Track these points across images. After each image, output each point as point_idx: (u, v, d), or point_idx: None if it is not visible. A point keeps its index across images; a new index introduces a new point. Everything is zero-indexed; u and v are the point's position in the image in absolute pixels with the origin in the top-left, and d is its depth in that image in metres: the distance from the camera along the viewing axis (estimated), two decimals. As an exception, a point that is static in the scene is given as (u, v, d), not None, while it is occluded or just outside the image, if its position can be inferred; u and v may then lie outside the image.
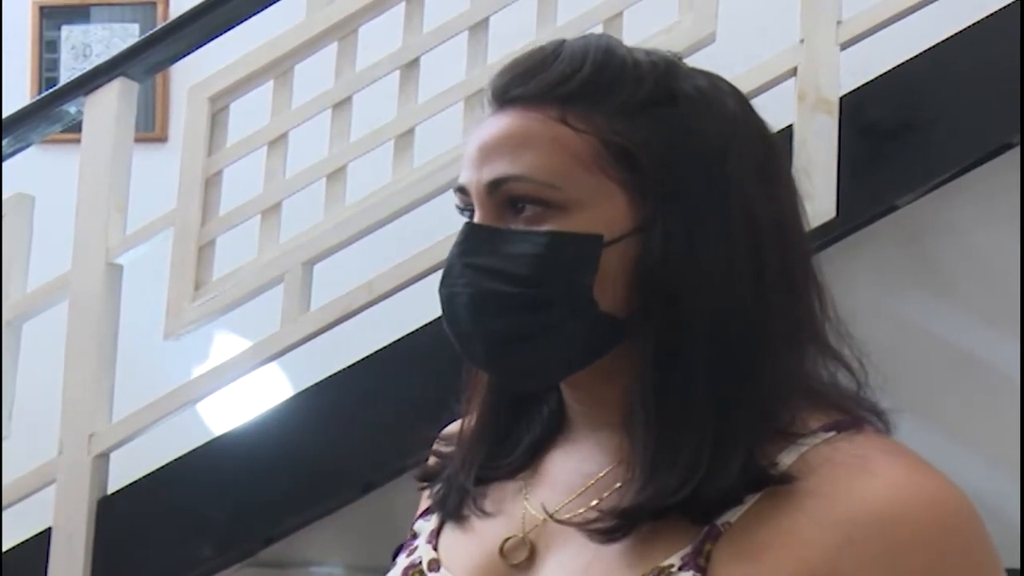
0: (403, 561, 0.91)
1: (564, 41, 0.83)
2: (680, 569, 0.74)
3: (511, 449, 0.90)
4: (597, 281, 0.78)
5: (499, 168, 0.80)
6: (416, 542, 0.92)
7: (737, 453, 0.75)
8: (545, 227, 0.79)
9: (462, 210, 0.85)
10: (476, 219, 0.82)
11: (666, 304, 0.77)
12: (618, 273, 0.78)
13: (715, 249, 0.78)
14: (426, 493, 0.96)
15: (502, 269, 0.79)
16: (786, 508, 0.74)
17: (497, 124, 0.82)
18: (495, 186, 0.80)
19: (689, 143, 0.79)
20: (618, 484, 0.80)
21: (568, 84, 0.80)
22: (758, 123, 0.84)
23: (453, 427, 0.95)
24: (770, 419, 0.77)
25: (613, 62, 0.81)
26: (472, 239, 0.81)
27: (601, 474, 0.83)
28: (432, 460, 0.95)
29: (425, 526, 0.93)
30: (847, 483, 0.73)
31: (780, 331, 0.79)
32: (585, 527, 0.78)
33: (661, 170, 0.78)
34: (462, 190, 0.84)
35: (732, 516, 0.75)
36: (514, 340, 0.80)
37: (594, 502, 0.81)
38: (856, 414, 0.80)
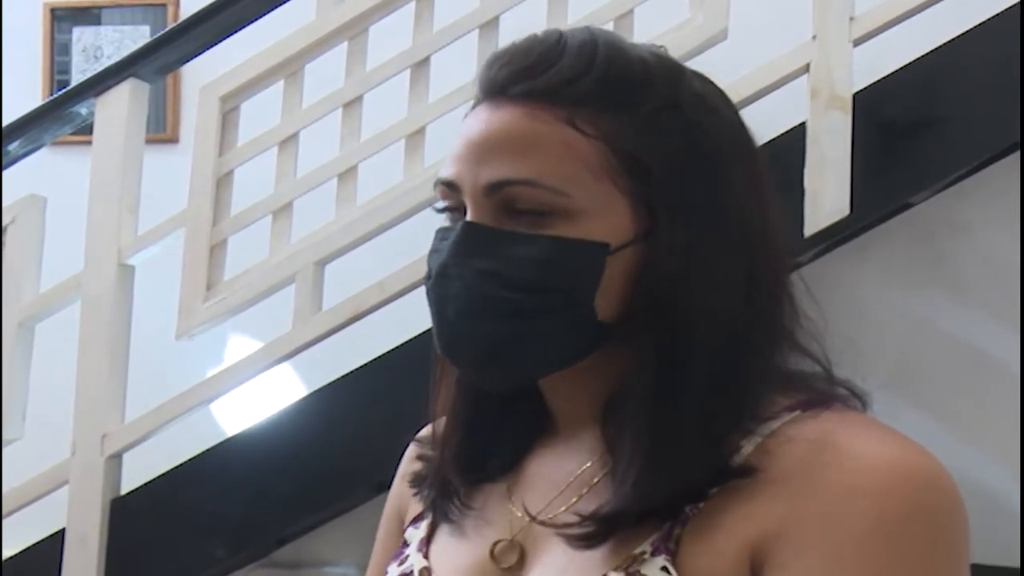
0: (395, 570, 0.89)
1: (562, 32, 0.79)
2: (652, 555, 0.74)
3: (495, 450, 0.88)
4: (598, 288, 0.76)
5: (502, 169, 0.76)
6: (407, 551, 0.91)
7: (711, 452, 0.75)
8: (549, 232, 0.76)
9: (443, 208, 0.81)
10: (470, 218, 0.78)
11: (664, 311, 0.76)
12: (617, 281, 0.77)
13: (714, 257, 0.77)
14: (414, 500, 0.94)
15: (504, 272, 0.76)
16: (747, 492, 0.74)
17: (496, 119, 0.77)
18: (496, 187, 0.76)
19: (694, 153, 0.77)
20: (596, 480, 0.80)
21: (578, 85, 0.76)
22: (747, 130, 0.82)
23: (429, 429, 0.93)
24: (746, 415, 0.77)
25: (623, 63, 0.78)
26: (472, 239, 0.77)
27: (579, 471, 0.82)
28: (418, 465, 0.93)
29: (415, 534, 0.92)
30: (805, 460, 0.73)
31: (765, 334, 0.79)
32: (564, 532, 0.77)
33: (667, 181, 0.77)
34: (449, 185, 0.79)
35: (699, 502, 0.75)
36: (507, 344, 0.77)
37: (573, 499, 0.80)
38: (825, 393, 0.79)
